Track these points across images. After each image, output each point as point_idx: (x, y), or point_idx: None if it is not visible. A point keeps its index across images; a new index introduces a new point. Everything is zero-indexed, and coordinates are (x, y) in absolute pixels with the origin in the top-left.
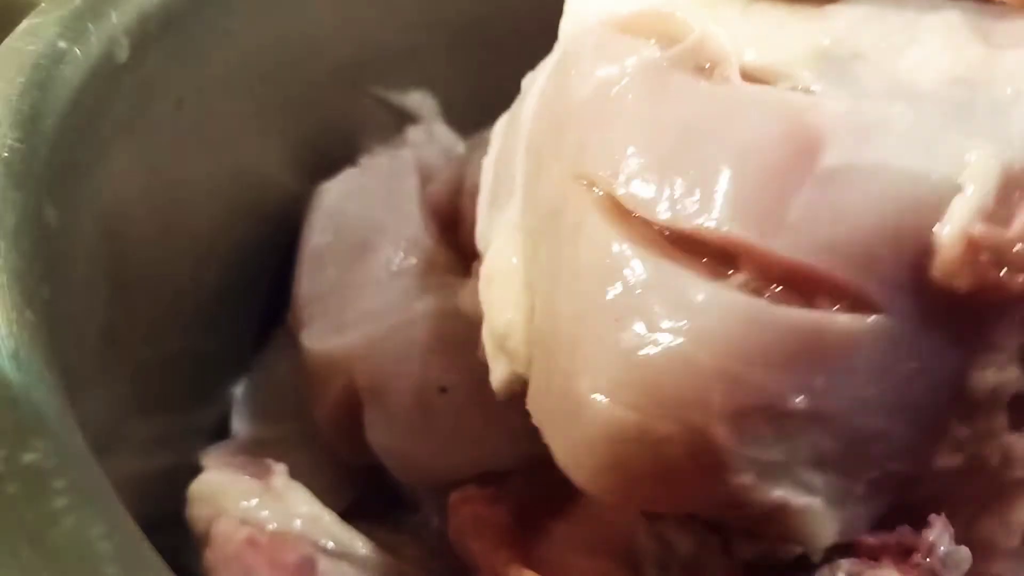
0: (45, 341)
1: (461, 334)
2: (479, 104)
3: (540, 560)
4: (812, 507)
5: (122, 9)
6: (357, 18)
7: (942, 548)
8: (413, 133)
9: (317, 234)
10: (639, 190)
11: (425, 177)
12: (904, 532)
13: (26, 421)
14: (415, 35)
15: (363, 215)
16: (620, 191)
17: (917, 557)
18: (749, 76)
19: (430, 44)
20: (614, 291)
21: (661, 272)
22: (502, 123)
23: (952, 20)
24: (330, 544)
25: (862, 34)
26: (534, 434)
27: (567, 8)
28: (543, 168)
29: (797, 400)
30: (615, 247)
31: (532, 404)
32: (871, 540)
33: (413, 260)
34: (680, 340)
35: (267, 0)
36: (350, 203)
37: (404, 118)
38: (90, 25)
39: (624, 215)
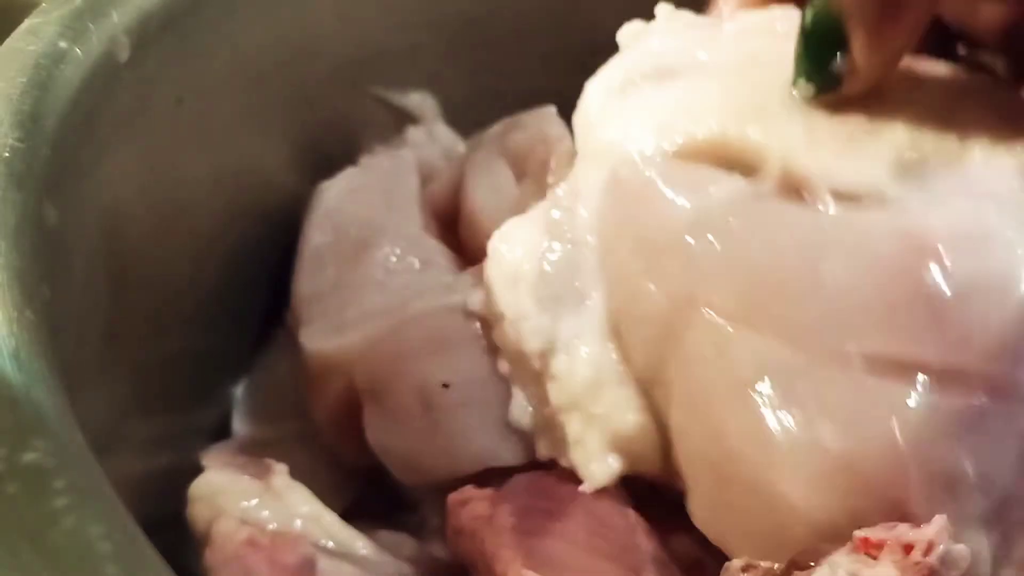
0: (45, 341)
1: (460, 332)
2: (479, 104)
3: (541, 561)
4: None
5: (123, 9)
6: (357, 18)
7: (941, 546)
8: (413, 133)
9: (317, 233)
10: (786, 319)
11: (425, 177)
12: (903, 530)
13: (26, 421)
14: (415, 35)
15: (363, 214)
16: (763, 319)
17: (916, 555)
18: (840, 196)
19: (430, 44)
20: (796, 401)
21: (838, 380)
22: (528, 227)
23: (982, 110)
24: (330, 544)
25: (923, 141)
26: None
27: (585, 126)
28: (640, 290)
29: (972, 470)
30: (780, 365)
31: (703, 517)
32: (873, 538)
33: (412, 259)
34: (881, 432)
35: (267, 0)
36: (350, 202)
37: (404, 118)
38: (91, 25)
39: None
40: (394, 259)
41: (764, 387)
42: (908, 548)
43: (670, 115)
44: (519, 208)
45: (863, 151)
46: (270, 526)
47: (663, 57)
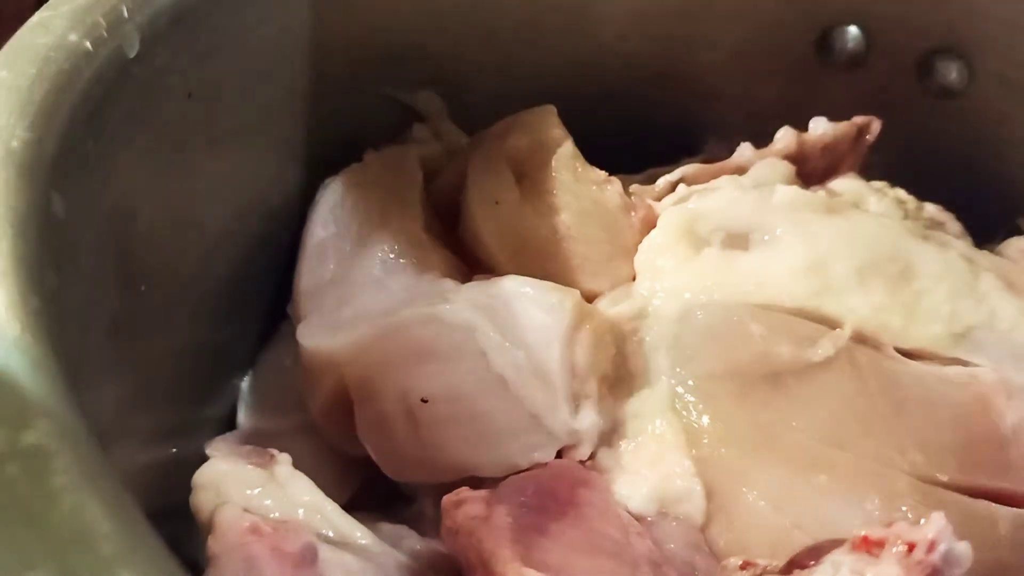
0: (50, 327)
1: (445, 344)
2: (485, 104)
3: (539, 559)
4: None
5: (132, 4)
6: (366, 17)
7: (943, 545)
8: (418, 130)
9: (320, 227)
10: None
11: (429, 173)
12: (902, 528)
13: (28, 402)
14: (422, 35)
15: (365, 209)
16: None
17: (919, 553)
18: (904, 353)
19: (437, 44)
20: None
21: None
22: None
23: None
24: (331, 534)
25: (962, 315)
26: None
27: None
28: (730, 412)
29: None
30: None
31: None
32: (873, 536)
33: (411, 259)
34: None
35: None
36: (353, 197)
37: (411, 117)
38: (100, 19)
39: None
40: (393, 256)
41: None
42: (911, 546)
43: (753, 283)
44: (518, 212)
45: (917, 318)
46: (273, 515)
47: (731, 222)
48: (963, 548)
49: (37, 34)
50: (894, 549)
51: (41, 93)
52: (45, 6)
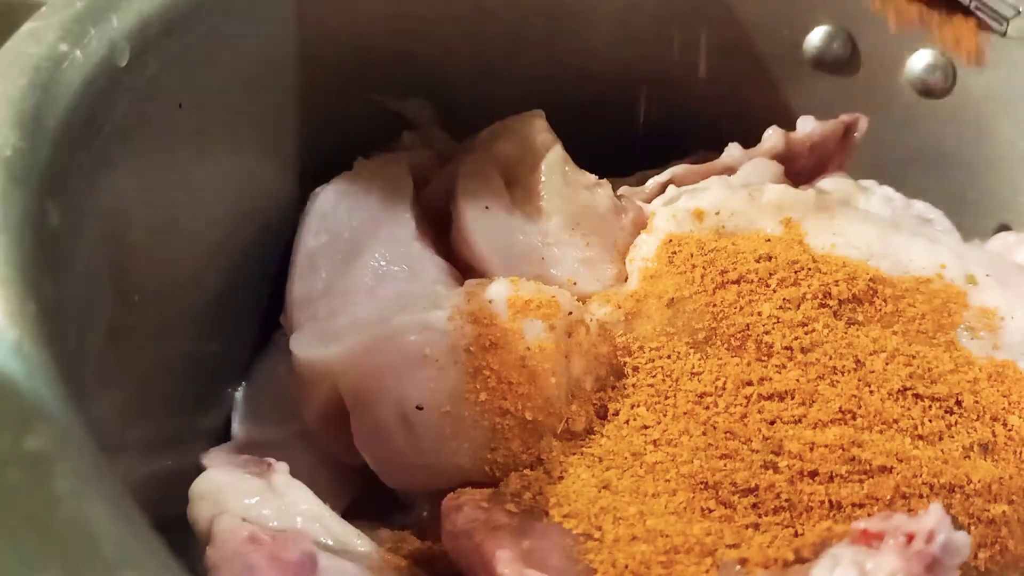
0: (48, 333)
1: (439, 350)
2: (474, 110)
3: (539, 559)
4: None
5: (122, 13)
6: (355, 26)
7: (942, 535)
8: (408, 137)
9: (311, 237)
10: None
11: (419, 180)
12: (900, 519)
13: (28, 408)
14: (411, 43)
15: (356, 217)
16: None
17: (918, 543)
18: None
19: (426, 51)
20: None
21: None
22: None
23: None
24: (330, 541)
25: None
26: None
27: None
28: None
29: None
30: None
31: None
32: (872, 529)
33: (403, 266)
34: None
35: (266, 7)
36: (343, 205)
37: (401, 124)
38: (91, 29)
39: None
40: (384, 264)
41: None
42: (910, 537)
43: None
44: (509, 217)
45: None
46: (271, 524)
47: (721, 221)
48: (962, 538)
49: (28, 44)
50: (893, 541)
51: (33, 102)
52: (35, 16)
